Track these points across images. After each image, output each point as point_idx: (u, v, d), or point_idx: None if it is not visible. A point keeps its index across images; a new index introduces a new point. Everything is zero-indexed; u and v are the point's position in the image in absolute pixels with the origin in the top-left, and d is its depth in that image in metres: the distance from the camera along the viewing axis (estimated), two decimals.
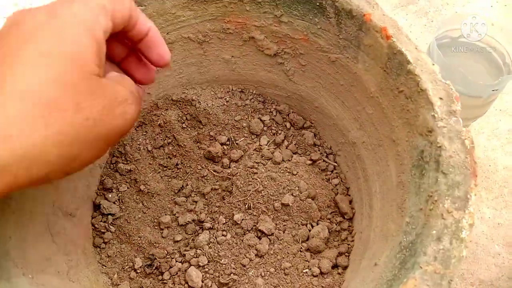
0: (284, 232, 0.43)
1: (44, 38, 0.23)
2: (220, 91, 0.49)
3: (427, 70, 0.33)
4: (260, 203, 0.44)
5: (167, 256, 0.43)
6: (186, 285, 0.42)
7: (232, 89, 0.49)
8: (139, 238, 0.44)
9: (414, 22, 0.74)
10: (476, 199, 0.56)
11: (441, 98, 0.32)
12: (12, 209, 0.35)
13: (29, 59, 0.23)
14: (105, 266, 0.43)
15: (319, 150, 0.48)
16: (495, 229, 0.55)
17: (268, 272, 0.42)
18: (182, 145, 0.47)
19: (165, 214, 0.45)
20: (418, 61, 0.34)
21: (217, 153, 0.46)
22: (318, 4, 0.39)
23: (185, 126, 0.48)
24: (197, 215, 0.45)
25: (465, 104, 0.49)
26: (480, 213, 0.56)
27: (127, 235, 0.44)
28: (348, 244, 0.43)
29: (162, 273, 0.43)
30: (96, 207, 0.45)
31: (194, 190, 0.46)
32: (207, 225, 0.44)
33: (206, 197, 0.46)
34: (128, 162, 0.46)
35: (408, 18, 0.74)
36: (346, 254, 0.43)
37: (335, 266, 0.42)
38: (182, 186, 0.46)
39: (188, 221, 0.45)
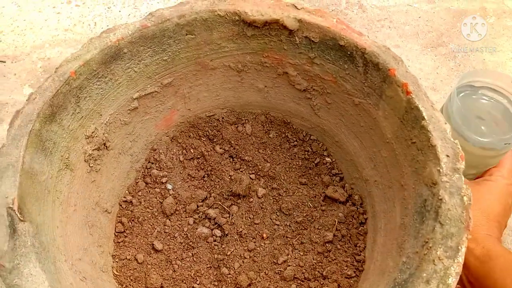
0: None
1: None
2: (250, 116, 0.54)
3: (439, 128, 0.37)
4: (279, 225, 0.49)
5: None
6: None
7: (261, 116, 0.54)
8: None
9: (442, 64, 0.77)
10: None
11: (447, 156, 0.36)
12: (60, 201, 0.40)
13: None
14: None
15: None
16: None
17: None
18: (209, 160, 0.52)
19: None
20: (432, 118, 0.38)
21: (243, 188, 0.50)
22: (349, 53, 0.43)
23: (216, 142, 0.53)
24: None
25: (478, 154, 0.53)
26: None
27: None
28: None
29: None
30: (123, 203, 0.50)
31: (216, 203, 0.51)
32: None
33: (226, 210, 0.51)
34: (161, 169, 0.51)
35: (436, 60, 0.76)
36: None
37: None
38: (206, 196, 0.51)
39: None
